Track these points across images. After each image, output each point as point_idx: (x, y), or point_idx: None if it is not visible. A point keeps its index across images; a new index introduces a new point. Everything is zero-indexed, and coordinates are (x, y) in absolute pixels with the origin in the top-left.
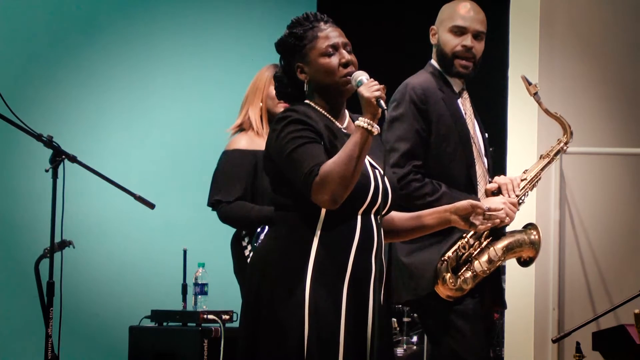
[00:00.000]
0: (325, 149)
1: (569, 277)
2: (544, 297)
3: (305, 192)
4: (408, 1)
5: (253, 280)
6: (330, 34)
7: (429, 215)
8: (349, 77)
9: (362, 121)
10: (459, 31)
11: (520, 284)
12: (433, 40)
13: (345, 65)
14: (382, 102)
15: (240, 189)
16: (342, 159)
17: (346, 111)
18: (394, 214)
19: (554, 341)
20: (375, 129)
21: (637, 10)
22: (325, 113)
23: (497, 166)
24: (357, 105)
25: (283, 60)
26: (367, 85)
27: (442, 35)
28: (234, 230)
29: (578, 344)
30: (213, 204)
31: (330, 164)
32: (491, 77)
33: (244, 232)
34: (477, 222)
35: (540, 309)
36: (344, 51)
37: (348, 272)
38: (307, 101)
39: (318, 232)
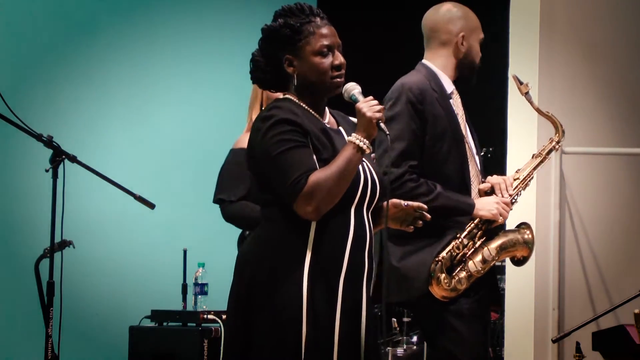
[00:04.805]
0: (313, 148)
1: (569, 277)
2: (544, 297)
3: (288, 200)
4: (408, 1)
5: (244, 275)
6: (327, 32)
7: None
8: (338, 81)
9: (355, 138)
10: (481, 43)
11: (520, 284)
12: (462, 45)
13: (338, 68)
14: (382, 124)
15: (245, 188)
16: (332, 173)
17: (326, 107)
18: None
19: (554, 341)
20: (369, 149)
21: (637, 10)
22: (308, 109)
23: (497, 166)
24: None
25: (267, 47)
26: (369, 104)
27: (474, 43)
28: (234, 230)
29: (578, 344)
30: (217, 202)
31: (320, 177)
32: (491, 77)
33: (247, 233)
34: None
35: (540, 309)
36: (338, 53)
37: (344, 268)
38: (288, 96)
39: (313, 230)
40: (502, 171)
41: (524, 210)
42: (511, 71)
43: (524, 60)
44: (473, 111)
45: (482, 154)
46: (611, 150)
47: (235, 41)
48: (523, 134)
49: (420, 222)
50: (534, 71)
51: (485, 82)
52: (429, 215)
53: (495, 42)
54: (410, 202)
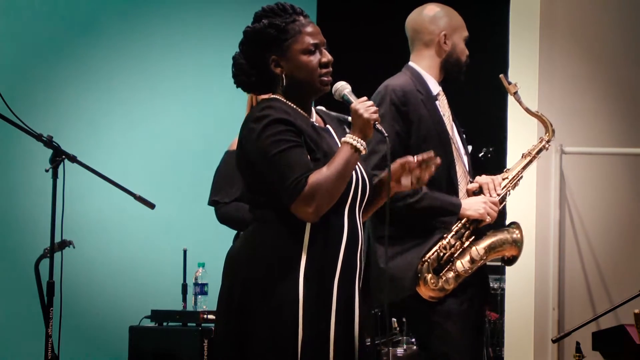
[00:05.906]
0: (307, 147)
1: (569, 277)
2: (544, 297)
3: (286, 201)
4: (407, 2)
5: (238, 276)
6: (312, 30)
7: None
8: (326, 79)
9: (352, 139)
10: (466, 41)
11: (520, 284)
12: (445, 44)
13: (326, 65)
14: (378, 126)
15: (238, 189)
16: (331, 174)
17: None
18: None
19: (554, 341)
20: (365, 149)
21: (637, 11)
22: (297, 108)
23: (497, 166)
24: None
25: (251, 49)
26: (364, 105)
27: (458, 42)
28: (234, 230)
29: (578, 344)
30: (212, 204)
31: (320, 178)
32: (491, 78)
33: (242, 233)
34: (406, 182)
35: (540, 309)
36: (324, 51)
37: (338, 269)
38: (276, 96)
39: (308, 232)
40: (501, 171)
41: (524, 210)
42: (511, 71)
43: (524, 61)
44: (473, 111)
45: (482, 154)
46: (611, 150)
47: (235, 44)
48: (523, 134)
49: (433, 169)
50: (534, 71)
51: (485, 82)
52: (439, 160)
53: (496, 42)
54: (419, 155)
